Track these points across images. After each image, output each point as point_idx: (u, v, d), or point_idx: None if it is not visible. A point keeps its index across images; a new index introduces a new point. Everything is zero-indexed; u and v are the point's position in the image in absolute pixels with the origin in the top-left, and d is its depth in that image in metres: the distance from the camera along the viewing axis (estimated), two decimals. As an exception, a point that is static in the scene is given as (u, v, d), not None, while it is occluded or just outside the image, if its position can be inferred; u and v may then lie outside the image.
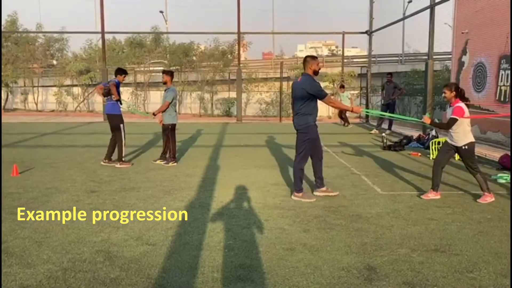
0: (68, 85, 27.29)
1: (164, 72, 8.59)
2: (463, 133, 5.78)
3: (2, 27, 27.54)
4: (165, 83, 8.45)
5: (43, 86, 28.25)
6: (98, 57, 26.42)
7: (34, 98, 27.19)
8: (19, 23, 28.28)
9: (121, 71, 8.28)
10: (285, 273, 3.56)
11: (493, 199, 5.77)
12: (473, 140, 5.88)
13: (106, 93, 8.08)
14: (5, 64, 26.18)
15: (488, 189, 5.83)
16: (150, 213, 5.16)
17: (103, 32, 19.40)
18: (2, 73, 25.13)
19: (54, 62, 32.33)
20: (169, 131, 8.41)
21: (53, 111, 26.21)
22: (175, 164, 8.38)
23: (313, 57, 6.09)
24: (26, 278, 3.42)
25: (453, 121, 5.71)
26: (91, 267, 3.64)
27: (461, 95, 5.84)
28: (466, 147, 5.80)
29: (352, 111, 6.20)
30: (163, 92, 8.88)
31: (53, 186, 6.50)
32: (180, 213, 5.18)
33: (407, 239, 4.37)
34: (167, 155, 8.52)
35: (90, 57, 29.03)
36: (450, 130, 5.84)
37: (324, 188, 6.17)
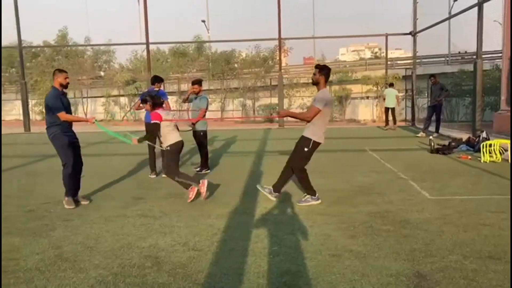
0: (115, 95, 28.23)
1: (195, 82, 8.42)
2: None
3: (53, 42, 28.92)
4: (198, 92, 8.35)
5: (91, 97, 29.37)
6: (143, 67, 27.17)
7: (83, 109, 28.29)
8: (69, 37, 29.59)
9: (158, 79, 8.42)
10: (332, 279, 3.51)
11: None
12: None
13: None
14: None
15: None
16: (195, 219, 5.24)
17: (147, 43, 19.96)
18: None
19: (102, 73, 33.56)
20: (200, 137, 8.45)
21: (101, 120, 27.17)
22: (208, 171, 8.43)
23: (60, 71, 6.07)
24: (79, 283, 3.54)
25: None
26: (140, 272, 3.72)
27: None
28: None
29: (88, 122, 6.22)
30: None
31: (102, 193, 6.72)
32: (225, 219, 5.23)
33: (458, 245, 4.21)
34: (203, 162, 8.54)
35: (135, 67, 29.92)
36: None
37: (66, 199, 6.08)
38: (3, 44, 30.61)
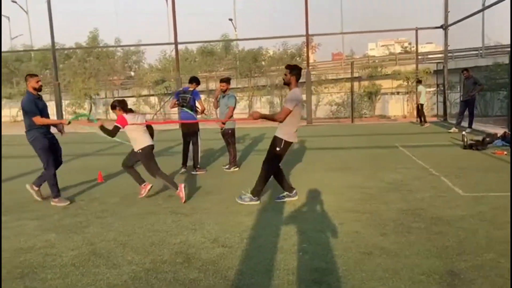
0: (145, 95, 28.69)
1: (223, 80, 8.42)
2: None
3: (85, 44, 29.61)
4: (225, 90, 8.38)
5: (122, 97, 29.94)
6: (172, 67, 27.55)
7: (115, 109, 28.85)
8: (99, 39, 30.26)
9: (195, 80, 8.50)
10: (362, 277, 3.48)
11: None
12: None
13: (183, 104, 8.28)
14: (88, 78, 28.09)
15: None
16: (225, 216, 5.29)
17: (176, 43, 20.18)
18: (85, 86, 26.98)
19: (132, 73, 34.20)
20: (229, 136, 8.49)
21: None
22: (237, 169, 8.46)
23: (32, 75, 6.20)
24: (112, 278, 3.63)
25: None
26: (171, 268, 3.78)
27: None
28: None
29: (62, 123, 6.34)
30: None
31: (134, 191, 6.83)
32: (254, 216, 5.25)
33: (493, 243, 4.10)
34: (231, 160, 8.58)
35: (164, 67, 30.32)
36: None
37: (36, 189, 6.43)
38: (37, 46, 31.63)
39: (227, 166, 8.59)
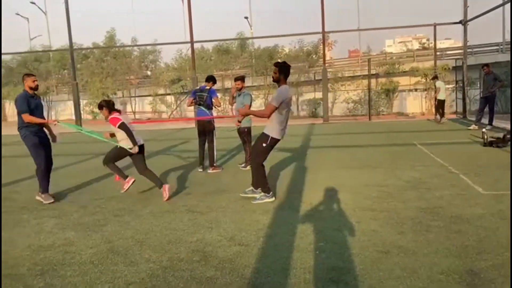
0: (161, 94, 28.89)
1: (238, 79, 8.41)
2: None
3: (102, 43, 29.93)
4: (240, 89, 8.36)
5: (139, 96, 30.20)
6: (188, 66, 27.68)
7: (131, 107, 29.13)
8: (116, 39, 30.55)
9: (212, 79, 8.52)
10: (380, 276, 3.44)
11: None
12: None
13: (200, 102, 8.31)
14: (106, 77, 28.41)
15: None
16: (241, 214, 5.29)
17: (192, 42, 20.26)
18: (103, 86, 27.29)
19: (149, 73, 34.47)
20: (245, 134, 8.50)
21: (149, 119, 27.88)
22: None
23: (28, 75, 6.26)
24: (130, 276, 3.66)
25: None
26: (188, 266, 3.80)
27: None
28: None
29: (49, 123, 6.43)
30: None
31: (150, 190, 6.89)
32: (270, 214, 5.25)
33: (515, 242, 4.02)
34: (247, 158, 8.57)
35: (180, 66, 30.48)
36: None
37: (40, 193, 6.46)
38: (55, 47, 32.09)
39: (243, 165, 8.60)
